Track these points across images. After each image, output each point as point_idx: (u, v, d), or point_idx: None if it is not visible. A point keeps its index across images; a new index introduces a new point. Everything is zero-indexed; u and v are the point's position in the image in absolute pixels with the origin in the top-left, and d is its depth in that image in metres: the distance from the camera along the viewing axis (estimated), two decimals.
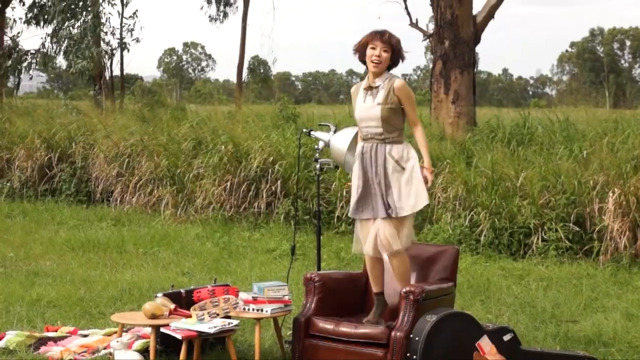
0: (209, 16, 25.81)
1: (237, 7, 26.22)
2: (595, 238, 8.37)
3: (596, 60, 75.62)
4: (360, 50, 4.92)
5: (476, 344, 4.59)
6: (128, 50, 22.33)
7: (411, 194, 4.78)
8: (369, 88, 4.91)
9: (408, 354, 4.49)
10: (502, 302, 6.76)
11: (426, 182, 4.83)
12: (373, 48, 4.85)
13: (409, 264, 4.89)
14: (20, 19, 22.51)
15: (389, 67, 4.92)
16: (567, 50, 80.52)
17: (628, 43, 78.51)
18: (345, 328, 4.79)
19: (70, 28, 21.03)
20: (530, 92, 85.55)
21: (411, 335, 4.51)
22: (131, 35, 21.99)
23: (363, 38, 4.92)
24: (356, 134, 5.35)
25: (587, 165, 9.19)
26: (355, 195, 4.93)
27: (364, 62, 4.94)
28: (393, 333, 4.58)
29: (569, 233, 8.47)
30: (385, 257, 4.88)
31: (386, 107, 4.81)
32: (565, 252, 8.36)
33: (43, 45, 22.31)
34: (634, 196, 8.29)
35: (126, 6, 22.18)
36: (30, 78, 25.76)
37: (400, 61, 4.93)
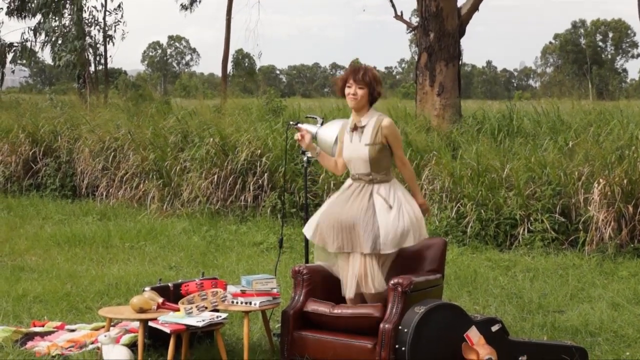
0: (181, 4, 25.92)
1: None
2: (580, 229, 8.42)
3: (579, 52, 75.98)
4: (341, 87, 4.95)
5: (464, 335, 4.61)
6: (113, 44, 22.26)
7: (397, 231, 4.76)
8: (355, 128, 4.91)
9: (397, 346, 4.50)
10: (489, 293, 6.79)
11: (425, 211, 4.93)
12: (349, 87, 4.90)
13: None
14: (1, 9, 22.36)
15: (371, 103, 4.92)
16: (550, 42, 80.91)
17: (610, 35, 78.94)
18: (340, 309, 4.81)
19: (53, 22, 20.89)
20: (515, 84, 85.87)
21: (400, 327, 4.52)
22: (114, 30, 21.89)
23: (342, 75, 4.98)
24: (344, 126, 5.34)
25: (573, 156, 9.24)
26: (319, 215, 4.95)
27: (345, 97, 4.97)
28: (381, 325, 4.59)
29: (555, 224, 8.51)
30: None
31: (375, 148, 4.83)
32: (551, 243, 8.40)
33: (26, 39, 22.16)
34: (618, 186, 8.34)
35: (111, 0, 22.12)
36: (12, 72, 25.58)
37: (378, 97, 4.92)
